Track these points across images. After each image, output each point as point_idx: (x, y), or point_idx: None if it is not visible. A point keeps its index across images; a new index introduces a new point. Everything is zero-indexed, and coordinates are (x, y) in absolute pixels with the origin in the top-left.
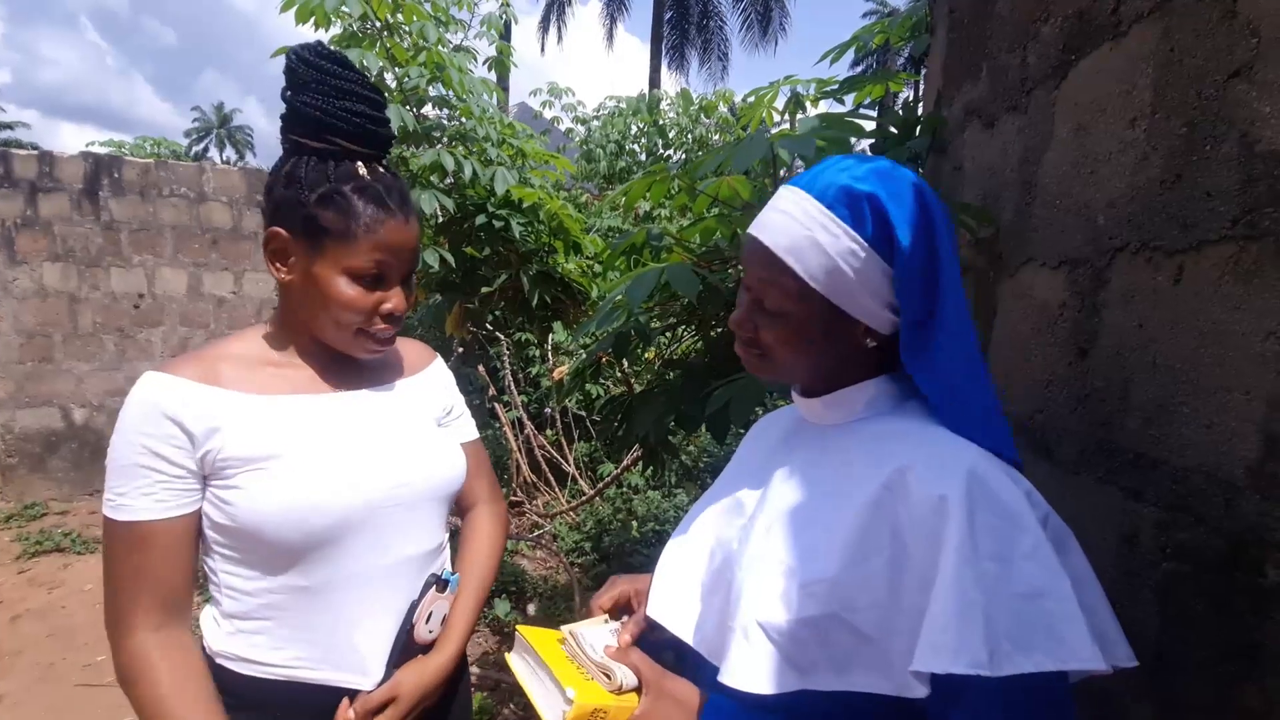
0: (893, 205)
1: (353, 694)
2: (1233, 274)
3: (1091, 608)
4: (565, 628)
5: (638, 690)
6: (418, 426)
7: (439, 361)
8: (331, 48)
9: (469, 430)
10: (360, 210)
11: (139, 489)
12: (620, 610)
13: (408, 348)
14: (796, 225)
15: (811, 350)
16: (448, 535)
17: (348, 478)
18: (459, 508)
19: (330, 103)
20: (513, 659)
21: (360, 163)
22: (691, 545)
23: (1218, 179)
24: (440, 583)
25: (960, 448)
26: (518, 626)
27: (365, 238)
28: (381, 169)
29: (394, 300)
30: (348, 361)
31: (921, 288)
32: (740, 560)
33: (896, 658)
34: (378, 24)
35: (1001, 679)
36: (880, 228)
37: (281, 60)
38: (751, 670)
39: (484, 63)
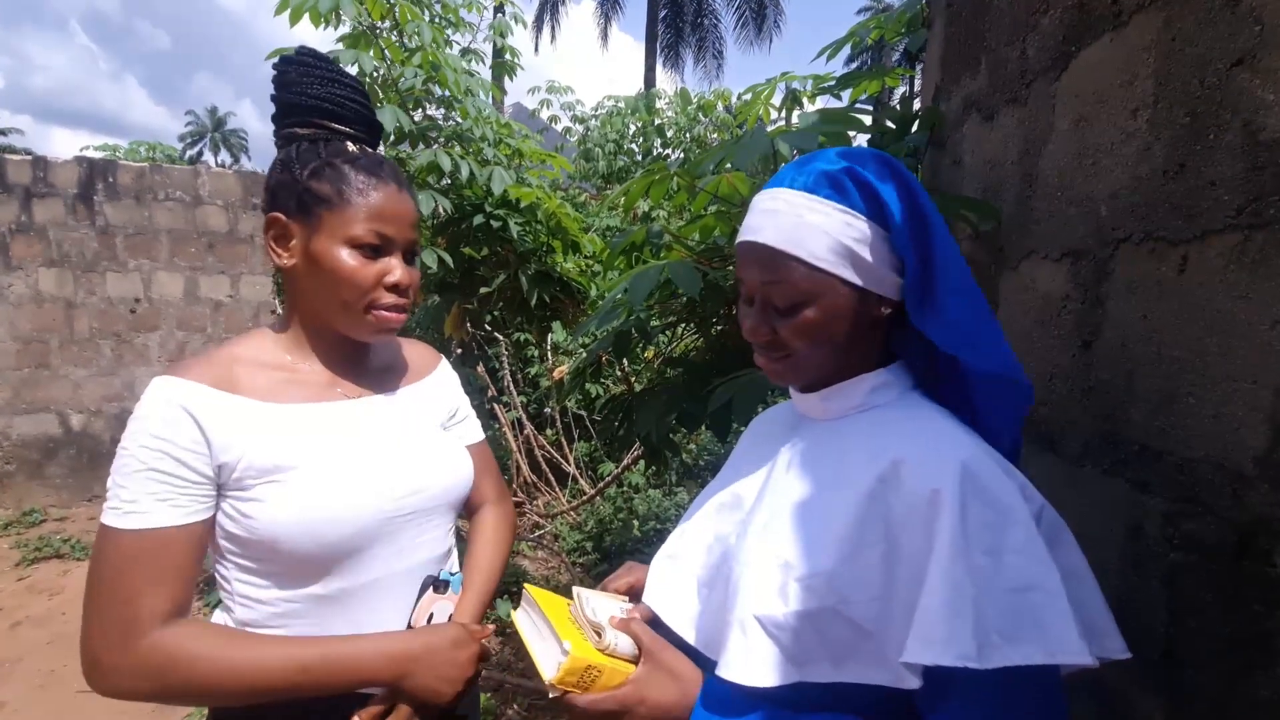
0: (869, 173)
1: (361, 700)
2: (1238, 263)
3: (1083, 601)
4: (576, 589)
5: (637, 660)
6: (429, 433)
7: (445, 364)
8: (314, 49)
9: (475, 432)
10: (352, 178)
11: (154, 495)
12: (636, 596)
13: (413, 350)
14: (786, 217)
15: (833, 334)
16: (454, 538)
17: (364, 489)
18: (466, 508)
19: (317, 89)
20: (517, 615)
21: (350, 142)
22: (690, 540)
23: (1222, 168)
24: (439, 584)
25: (956, 440)
26: (525, 585)
27: (360, 203)
28: (372, 151)
29: (398, 271)
30: (358, 363)
31: (920, 237)
32: (738, 555)
33: (892, 650)
34: (374, 25)
35: (990, 671)
36: (866, 195)
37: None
38: (749, 664)
39: (490, 66)
